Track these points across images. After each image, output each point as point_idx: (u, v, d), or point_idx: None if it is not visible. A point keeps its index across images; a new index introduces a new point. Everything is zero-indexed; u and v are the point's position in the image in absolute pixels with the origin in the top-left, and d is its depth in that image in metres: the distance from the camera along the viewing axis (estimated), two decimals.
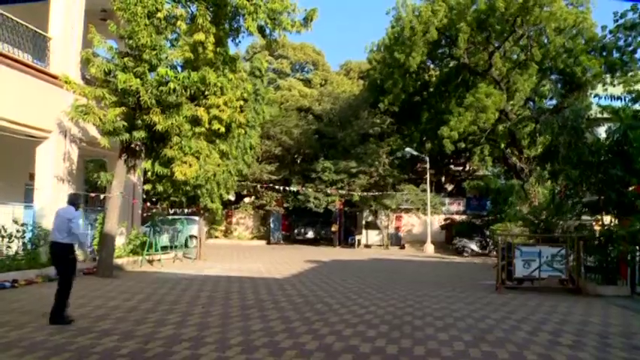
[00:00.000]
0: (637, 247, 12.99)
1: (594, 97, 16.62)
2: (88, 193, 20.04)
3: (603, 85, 29.88)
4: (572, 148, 14.60)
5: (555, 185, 16.98)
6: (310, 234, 40.29)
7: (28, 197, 15.93)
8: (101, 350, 6.29)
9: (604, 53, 31.69)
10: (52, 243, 8.29)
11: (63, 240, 8.11)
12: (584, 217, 16.44)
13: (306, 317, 8.92)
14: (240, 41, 19.41)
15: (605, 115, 15.50)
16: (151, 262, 17.92)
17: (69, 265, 8.21)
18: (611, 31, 31.20)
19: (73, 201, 8.78)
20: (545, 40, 31.94)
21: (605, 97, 14.83)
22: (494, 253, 23.07)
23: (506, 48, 33.18)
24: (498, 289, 13.27)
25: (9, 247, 12.80)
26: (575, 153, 14.49)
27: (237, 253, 26.22)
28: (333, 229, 37.39)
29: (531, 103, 35.95)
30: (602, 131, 15.53)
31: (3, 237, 12.64)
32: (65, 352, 6.12)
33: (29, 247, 13.40)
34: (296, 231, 40.47)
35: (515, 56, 33.85)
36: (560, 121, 15.41)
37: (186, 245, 21.96)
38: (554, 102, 34.98)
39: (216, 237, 38.59)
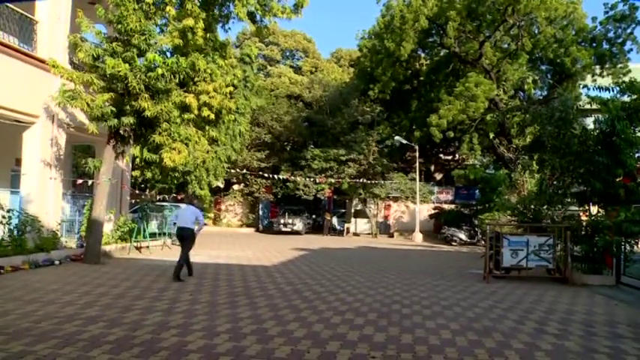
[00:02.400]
0: (622, 238, 13.10)
1: (583, 87, 16.70)
2: (76, 179, 19.88)
3: (592, 76, 30.11)
4: (559, 139, 14.67)
5: (544, 175, 17.07)
6: (299, 225, 35.79)
7: (14, 183, 15.78)
8: (88, 337, 6.25)
9: (594, 44, 31.93)
10: (180, 228, 12.29)
11: (188, 226, 12.24)
12: (571, 208, 16.56)
13: (294, 305, 8.93)
14: (230, 27, 19.42)
15: (594, 106, 15.57)
16: (139, 249, 17.85)
17: (191, 242, 12.35)
18: (601, 23, 31.46)
19: (191, 201, 13.58)
20: (536, 30, 32.07)
21: (593, 88, 14.89)
22: (483, 242, 23.23)
23: (497, 37, 33.27)
24: (486, 278, 13.35)
25: None
26: (563, 143, 14.57)
27: (225, 240, 26.18)
28: (327, 217, 37.44)
29: (521, 92, 36.09)
30: (590, 122, 15.62)
31: None
32: (52, 339, 6.08)
33: (15, 233, 13.29)
34: (282, 221, 35.91)
35: (505, 46, 33.98)
36: (548, 112, 15.47)
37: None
38: (544, 92, 35.19)
39: (204, 224, 38.43)
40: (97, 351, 5.69)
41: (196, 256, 16.72)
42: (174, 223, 12.73)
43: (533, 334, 7.30)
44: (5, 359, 5.32)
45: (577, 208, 16.60)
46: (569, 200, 15.71)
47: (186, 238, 12.28)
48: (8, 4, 13.69)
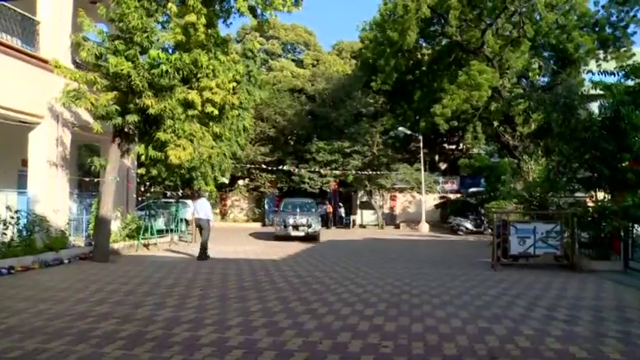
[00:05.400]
0: (629, 223, 13.08)
1: (587, 73, 16.64)
2: (82, 178, 19.97)
3: (596, 61, 29.96)
4: (565, 125, 14.64)
5: (549, 162, 17.04)
6: (315, 225, 23.58)
7: (21, 183, 15.85)
8: (101, 333, 6.30)
9: (596, 29, 31.75)
10: (198, 219, 15.79)
11: (204, 217, 15.52)
12: (577, 194, 16.53)
13: (303, 297, 8.97)
14: (231, 23, 19.30)
15: (598, 91, 15.50)
16: (147, 246, 17.91)
17: (207, 229, 15.40)
18: (603, 7, 31.29)
19: (202, 195, 17.12)
20: (538, 17, 31.87)
21: (598, 73, 14.83)
22: (489, 231, 23.22)
23: (499, 25, 33.10)
24: (494, 267, 13.37)
25: (4, 233, 12.72)
26: (569, 129, 14.53)
27: (232, 235, 26.24)
28: (329, 209, 37.21)
29: (524, 80, 35.94)
30: (594, 107, 15.56)
31: None
32: (65, 336, 6.13)
33: (24, 233, 13.34)
34: (291, 220, 23.37)
35: (507, 33, 33.79)
36: (553, 98, 15.42)
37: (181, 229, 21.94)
38: (546, 79, 35.04)
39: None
40: (110, 347, 5.74)
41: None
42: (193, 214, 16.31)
43: (542, 320, 7.33)
44: (21, 357, 5.37)
45: (583, 195, 16.57)
46: (575, 187, 15.69)
47: (203, 226, 15.45)
48: (8, 5, 13.75)
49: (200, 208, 15.70)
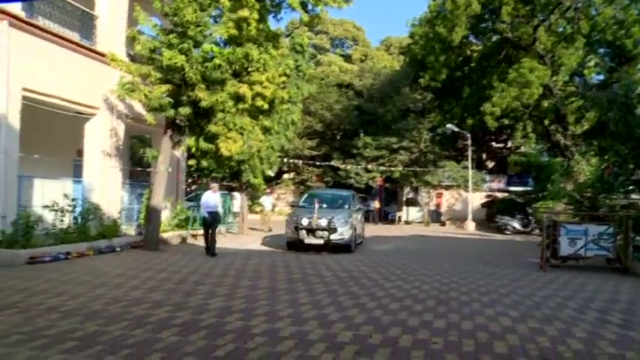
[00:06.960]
0: None
1: None
2: (133, 169, 20.47)
3: None
4: (621, 124, 14.25)
5: (606, 162, 16.59)
6: (343, 229, 15.69)
7: (76, 172, 16.37)
8: (156, 320, 6.49)
9: None
10: (209, 212, 14.30)
11: (213, 210, 14.37)
12: (632, 196, 16.07)
13: (352, 291, 9.01)
14: (281, 17, 19.41)
15: None
16: (195, 236, 18.24)
17: (216, 222, 14.72)
18: None
19: (210, 187, 15.23)
20: (594, 12, 30.91)
21: None
22: (537, 231, 22.77)
23: (552, 21, 32.22)
24: (543, 267, 13.13)
25: (62, 220, 13.18)
26: (625, 129, 14.14)
27: (278, 228, 26.40)
28: (377, 205, 37.11)
29: (577, 78, 35.01)
30: None
31: (56, 211, 13.04)
32: (122, 321, 6.34)
33: (80, 220, 13.79)
34: (305, 221, 15.72)
35: (560, 29, 32.86)
36: (610, 97, 15.04)
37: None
38: (601, 77, 34.03)
39: (256, 212, 38.79)
40: (166, 333, 5.91)
41: (251, 243, 17.02)
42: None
43: (595, 323, 7.18)
44: (83, 337, 5.59)
45: (638, 197, 16.11)
46: (630, 188, 15.26)
47: (212, 218, 14.44)
48: (70, 1, 14.19)
49: (209, 201, 14.44)
